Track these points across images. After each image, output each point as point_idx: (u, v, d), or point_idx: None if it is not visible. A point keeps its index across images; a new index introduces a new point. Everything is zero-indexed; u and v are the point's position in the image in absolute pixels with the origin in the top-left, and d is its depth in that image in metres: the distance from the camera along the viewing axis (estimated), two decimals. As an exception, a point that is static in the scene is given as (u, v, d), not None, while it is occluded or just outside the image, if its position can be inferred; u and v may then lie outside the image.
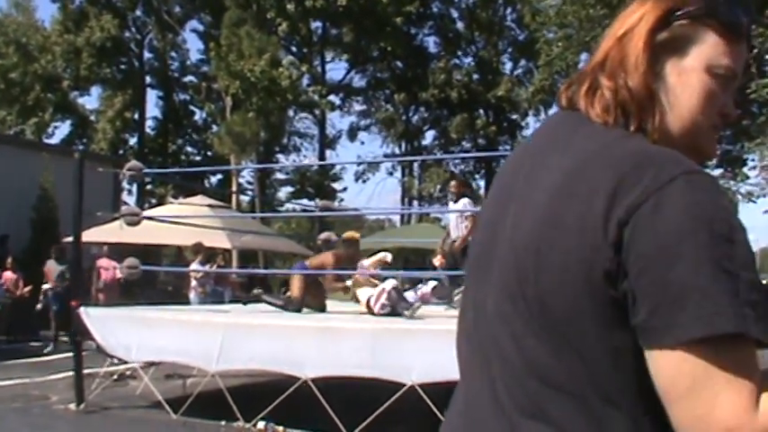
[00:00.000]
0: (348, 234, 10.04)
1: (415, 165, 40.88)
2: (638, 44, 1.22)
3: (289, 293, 9.75)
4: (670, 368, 1.01)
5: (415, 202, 40.63)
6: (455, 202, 10.94)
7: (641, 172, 1.06)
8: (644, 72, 1.21)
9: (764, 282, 1.08)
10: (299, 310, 8.98)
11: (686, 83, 1.22)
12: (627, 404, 1.08)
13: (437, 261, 11.50)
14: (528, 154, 1.30)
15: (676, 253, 1.01)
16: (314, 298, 9.34)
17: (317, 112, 39.49)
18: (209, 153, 39.69)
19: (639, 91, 1.21)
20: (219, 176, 38.91)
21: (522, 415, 1.14)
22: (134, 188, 35.37)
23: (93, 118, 41.60)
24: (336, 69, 70.96)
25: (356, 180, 42.65)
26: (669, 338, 1.00)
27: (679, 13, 1.22)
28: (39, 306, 14.82)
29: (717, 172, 22.32)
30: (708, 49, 1.22)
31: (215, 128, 38.05)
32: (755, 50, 15.87)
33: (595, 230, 1.06)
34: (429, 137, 43.50)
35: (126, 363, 8.65)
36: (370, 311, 8.50)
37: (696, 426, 0.99)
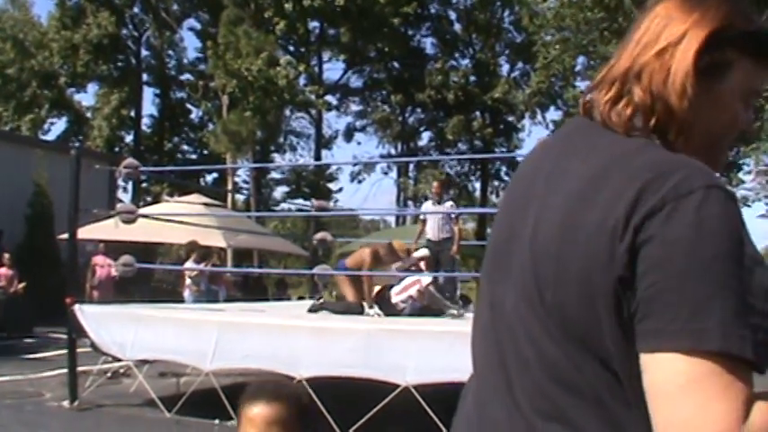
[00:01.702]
0: (398, 244, 9.93)
1: (411, 166, 40.90)
2: (685, 67, 1.18)
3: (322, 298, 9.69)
4: (661, 371, 1.01)
5: (411, 203, 40.62)
6: (438, 203, 10.85)
7: (663, 180, 1.06)
8: (692, 96, 1.17)
9: None
10: (361, 312, 8.83)
11: (721, 108, 1.21)
12: (647, 407, 1.06)
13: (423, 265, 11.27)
14: (548, 157, 1.29)
15: (677, 265, 1.01)
16: (355, 298, 9.21)
17: (313, 111, 39.46)
18: (205, 151, 39.59)
19: (684, 115, 1.18)
20: (215, 175, 38.90)
21: (540, 416, 1.14)
22: (129, 186, 35.36)
23: (89, 115, 41.49)
24: (333, 69, 70.85)
25: (352, 180, 42.74)
26: (659, 343, 1.01)
27: (726, 37, 1.19)
28: None
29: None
30: (745, 74, 1.21)
31: (211, 126, 37.99)
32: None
33: (614, 236, 1.06)
34: (425, 138, 43.64)
35: (120, 360, 8.63)
36: (379, 301, 8.54)
37: (684, 428, 0.98)
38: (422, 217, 11.36)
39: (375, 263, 9.24)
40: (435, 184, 11.52)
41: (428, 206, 11.26)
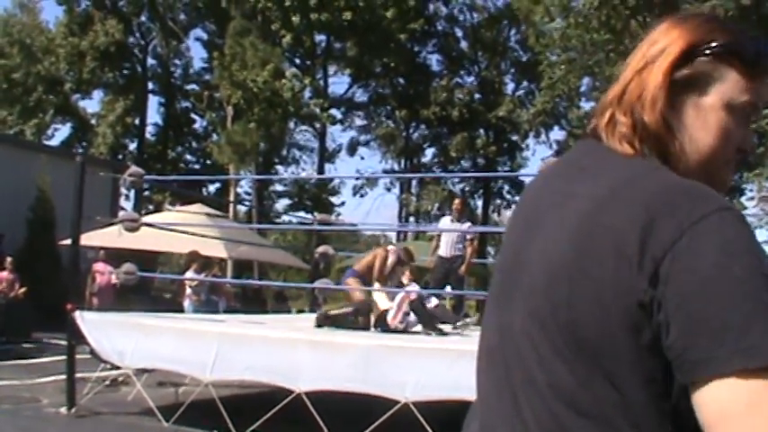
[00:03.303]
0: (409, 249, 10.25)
1: (414, 182, 40.91)
2: (656, 79, 1.22)
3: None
4: (721, 395, 1.00)
5: (412, 219, 40.60)
6: (457, 220, 10.79)
7: (674, 208, 1.07)
8: (660, 109, 1.21)
9: None
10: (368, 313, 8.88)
11: (704, 121, 1.22)
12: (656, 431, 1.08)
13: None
14: (554, 180, 1.31)
15: (713, 290, 1.01)
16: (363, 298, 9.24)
17: (317, 125, 39.50)
18: (208, 161, 39.68)
19: (655, 127, 1.22)
20: (218, 185, 38.93)
21: None
22: (132, 194, 35.37)
23: (93, 121, 41.58)
24: (339, 83, 70.80)
25: (354, 195, 42.75)
26: (711, 370, 1.00)
27: (702, 49, 1.22)
28: None
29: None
30: (729, 86, 1.22)
31: (215, 137, 38.07)
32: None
33: (630, 263, 1.06)
34: (429, 154, 43.62)
35: (119, 368, 8.60)
36: (381, 323, 8.53)
37: None
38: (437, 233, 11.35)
39: (385, 263, 9.33)
40: (457, 201, 11.32)
41: (446, 223, 11.19)
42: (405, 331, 8.56)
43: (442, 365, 6.54)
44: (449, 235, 10.65)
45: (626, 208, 1.10)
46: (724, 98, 1.22)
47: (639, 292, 1.05)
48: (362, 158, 78.33)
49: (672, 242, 1.04)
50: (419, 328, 8.64)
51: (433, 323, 8.68)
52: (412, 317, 8.63)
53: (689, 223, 1.04)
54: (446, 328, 8.95)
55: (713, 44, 1.22)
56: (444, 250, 10.63)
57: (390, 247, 9.85)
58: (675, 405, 1.06)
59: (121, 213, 11.49)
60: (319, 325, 8.76)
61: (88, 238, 11.77)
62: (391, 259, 9.63)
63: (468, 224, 11.30)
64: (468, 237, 10.82)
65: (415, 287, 9.18)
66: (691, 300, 1.02)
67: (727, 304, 1.00)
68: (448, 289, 10.72)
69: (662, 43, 1.25)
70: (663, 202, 1.08)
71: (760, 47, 1.24)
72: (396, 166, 43.35)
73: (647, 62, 1.25)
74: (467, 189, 41.21)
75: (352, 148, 43.25)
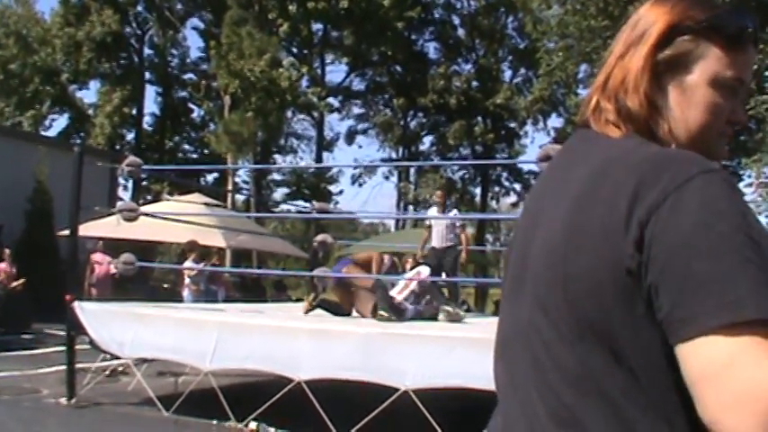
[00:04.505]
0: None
1: (412, 170, 40.89)
2: (638, 63, 1.24)
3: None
4: (702, 355, 1.00)
5: (411, 208, 40.58)
6: (443, 211, 10.74)
7: (660, 173, 1.08)
8: (644, 91, 1.23)
9: None
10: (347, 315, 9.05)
11: (691, 99, 1.24)
12: (660, 407, 1.08)
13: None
14: (554, 172, 1.33)
15: (697, 246, 1.02)
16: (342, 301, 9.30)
17: (315, 113, 39.45)
18: (205, 151, 39.59)
19: (639, 111, 1.24)
20: (215, 175, 38.86)
21: (555, 424, 1.14)
22: (129, 184, 35.31)
23: (90, 112, 41.47)
24: (336, 72, 70.97)
25: (352, 183, 42.65)
26: (696, 327, 1.00)
27: (682, 29, 1.23)
28: None
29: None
30: (712, 63, 1.23)
31: (213, 126, 37.99)
32: (755, 67, 15.80)
33: (618, 231, 1.07)
34: (427, 142, 43.54)
35: (119, 358, 8.61)
36: (375, 311, 8.54)
37: (742, 399, 0.96)
38: (427, 224, 11.24)
39: (380, 265, 9.44)
40: (439, 192, 11.34)
41: (433, 213, 11.10)
42: (403, 316, 8.57)
43: (442, 353, 6.55)
44: (439, 226, 10.59)
45: (615, 182, 1.12)
46: (709, 75, 1.23)
47: (627, 258, 1.06)
48: (360, 147, 78.75)
49: (657, 205, 1.05)
50: (433, 311, 8.71)
51: (450, 301, 8.78)
52: (411, 306, 8.64)
53: (673, 186, 1.06)
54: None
55: (692, 23, 1.23)
56: (436, 241, 10.56)
57: (386, 255, 10.01)
58: (678, 377, 1.05)
59: (119, 203, 11.46)
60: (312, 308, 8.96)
61: (86, 229, 11.76)
62: (386, 263, 9.75)
63: (454, 211, 11.34)
64: (459, 224, 10.84)
65: (426, 270, 9.24)
66: (675, 258, 1.03)
67: (711, 260, 1.01)
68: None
69: (642, 26, 1.26)
70: (649, 169, 1.10)
71: (739, 20, 1.25)
72: (394, 155, 43.31)
73: (628, 47, 1.27)
74: (465, 177, 41.21)
75: (350, 137, 43.22)
